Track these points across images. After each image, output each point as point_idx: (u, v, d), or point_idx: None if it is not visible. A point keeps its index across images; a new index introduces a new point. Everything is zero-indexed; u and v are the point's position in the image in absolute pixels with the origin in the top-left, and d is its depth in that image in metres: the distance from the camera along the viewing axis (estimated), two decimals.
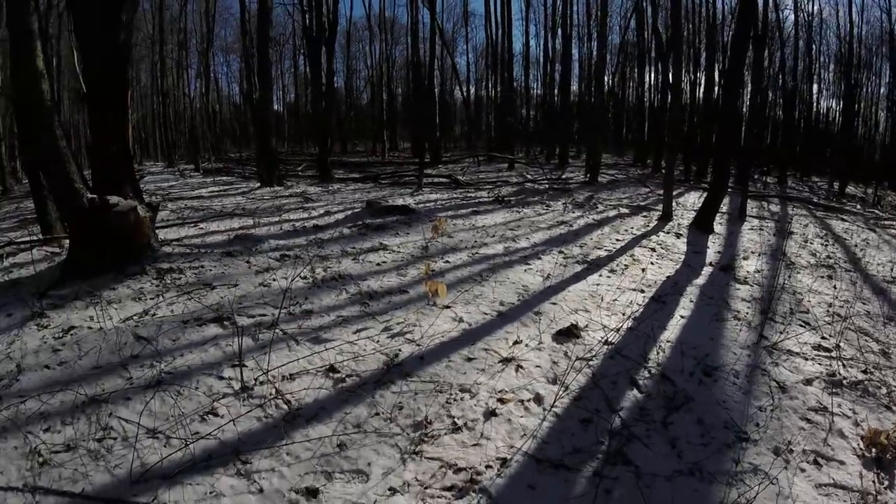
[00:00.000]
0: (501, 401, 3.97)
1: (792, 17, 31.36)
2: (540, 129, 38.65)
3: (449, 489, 3.09)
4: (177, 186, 16.07)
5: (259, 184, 16.20)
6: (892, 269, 8.64)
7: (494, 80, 36.23)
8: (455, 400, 3.95)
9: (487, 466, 3.29)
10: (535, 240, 8.83)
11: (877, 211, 18.27)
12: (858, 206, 18.98)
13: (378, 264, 7.04)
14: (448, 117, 44.80)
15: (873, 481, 3.48)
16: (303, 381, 4.06)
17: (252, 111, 26.60)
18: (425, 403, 3.87)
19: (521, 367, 4.48)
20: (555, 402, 3.98)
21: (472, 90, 47.67)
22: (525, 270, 7.04)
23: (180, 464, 3.12)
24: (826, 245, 10.26)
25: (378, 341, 4.78)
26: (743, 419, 3.98)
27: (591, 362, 4.62)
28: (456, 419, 3.72)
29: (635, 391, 4.26)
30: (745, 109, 20.08)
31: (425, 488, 3.08)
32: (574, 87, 35.93)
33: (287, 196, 13.41)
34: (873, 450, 3.76)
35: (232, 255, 7.05)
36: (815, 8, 39.82)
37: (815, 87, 35.26)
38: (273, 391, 3.89)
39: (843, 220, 14.20)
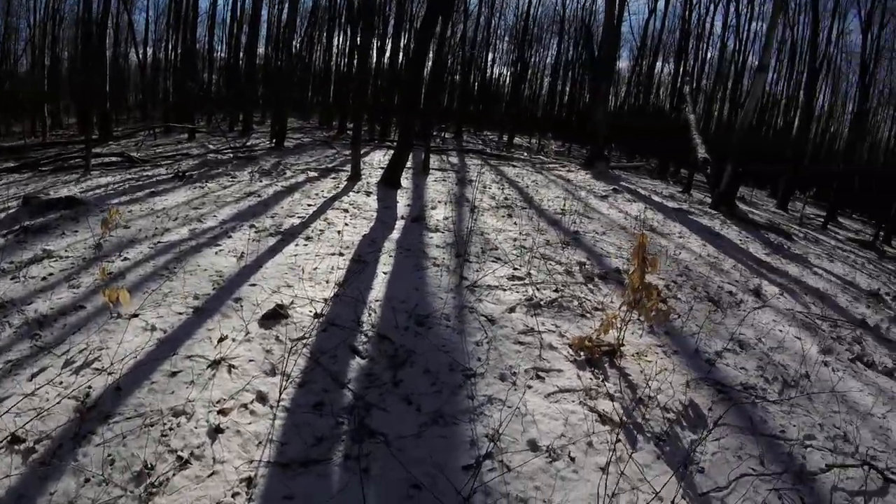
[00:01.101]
0: (223, 412, 3.49)
1: None
2: (223, 94, 36.28)
3: None
4: None
5: None
6: (562, 204, 9.88)
7: (175, 42, 33.03)
8: (172, 429, 3.35)
9: (234, 494, 2.90)
10: (224, 216, 8.03)
11: (541, 157, 21.09)
12: (525, 154, 21.71)
13: (44, 278, 5.58)
14: (121, 85, 39.18)
15: (590, 378, 3.98)
16: None
17: None
18: (139, 445, 3.20)
19: (234, 366, 3.97)
20: (280, 395, 3.66)
21: (150, 53, 41.87)
22: (216, 253, 6.32)
23: None
24: (502, 189, 11.46)
25: (62, 383, 3.76)
26: (465, 357, 4.18)
27: (306, 341, 4.34)
28: (180, 452, 3.17)
29: (358, 359, 4.17)
30: (426, 74, 21.63)
31: None
32: (261, 50, 34.49)
33: None
34: (582, 353, 4.34)
35: None
36: None
37: (490, 55, 41.56)
38: None
39: (514, 166, 16.00)
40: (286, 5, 28.80)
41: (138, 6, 43.37)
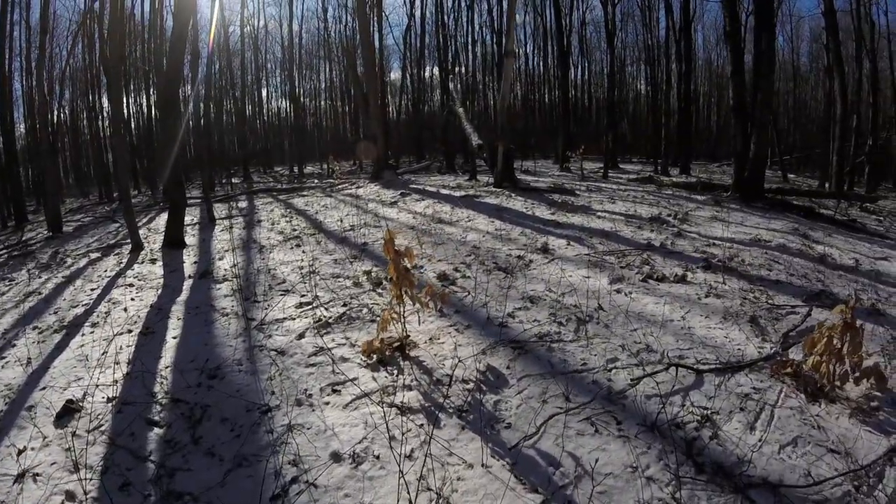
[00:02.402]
0: None
1: (238, 31, 33.78)
2: None
3: None
4: None
5: None
6: (351, 220, 10.09)
7: None
8: None
9: None
10: (5, 325, 7.22)
11: (331, 180, 21.07)
12: (316, 181, 21.69)
13: None
14: None
15: (386, 376, 4.11)
16: None
17: None
18: None
19: (38, 474, 3.72)
20: (86, 488, 3.46)
21: None
22: (3, 366, 5.73)
23: None
24: (290, 221, 11.35)
25: None
26: (259, 395, 4.13)
27: (102, 428, 4.12)
28: None
29: (156, 429, 4.00)
30: (191, 121, 20.90)
31: None
32: (22, 128, 30.35)
33: None
34: (374, 356, 4.44)
35: None
36: (261, 23, 43.80)
37: (265, 90, 41.11)
38: None
39: (303, 196, 15.87)
40: (34, 75, 25.49)
41: None
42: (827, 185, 19.52)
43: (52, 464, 3.82)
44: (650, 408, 3.69)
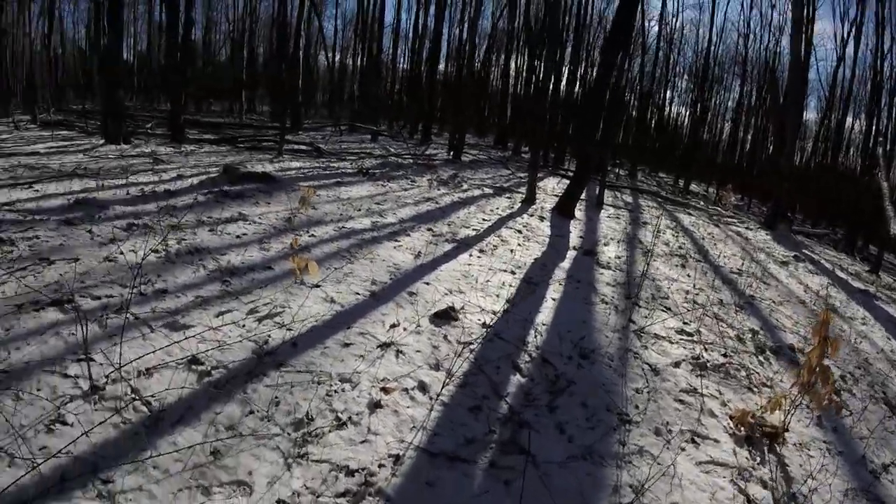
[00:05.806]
0: (385, 391, 3.72)
1: (656, 27, 34.21)
2: (404, 103, 38.24)
3: (343, 495, 2.82)
4: (10, 140, 13.40)
5: (103, 140, 13.90)
6: (738, 263, 9.48)
7: (361, 50, 35.34)
8: (336, 391, 3.62)
9: (381, 465, 3.05)
10: (403, 215, 8.55)
11: (719, 208, 20.07)
12: (702, 203, 20.80)
13: (238, 237, 6.34)
14: (310, 83, 42.83)
15: (746, 458, 3.73)
16: (163, 377, 3.43)
17: (100, 57, 23.85)
18: (304, 397, 3.50)
19: (402, 352, 4.24)
20: (441, 390, 3.81)
21: (338, 58, 45.13)
22: (395, 247, 6.78)
23: (31, 489, 2.51)
24: (676, 236, 11.07)
25: (244, 326, 4.25)
26: (623, 401, 4.09)
27: (471, 346, 4.50)
28: (339, 413, 3.41)
29: (518, 376, 4.24)
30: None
31: (317, 497, 2.78)
32: (441, 66, 35.69)
33: (135, 155, 11.78)
34: (742, 428, 4.05)
35: (72, 223, 5.97)
36: (678, 23, 43.82)
37: (668, 93, 40.38)
38: (129, 390, 3.26)
39: (689, 214, 15.43)
40: (466, 25, 29.60)
41: (327, 14, 47.91)
42: None
43: (417, 351, 4.28)
44: None
